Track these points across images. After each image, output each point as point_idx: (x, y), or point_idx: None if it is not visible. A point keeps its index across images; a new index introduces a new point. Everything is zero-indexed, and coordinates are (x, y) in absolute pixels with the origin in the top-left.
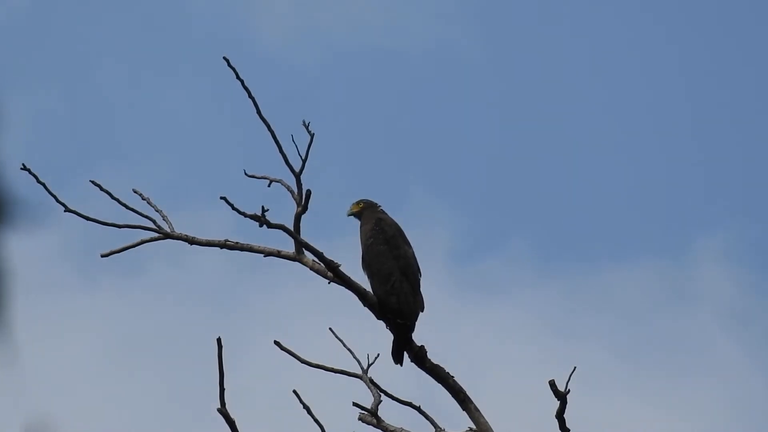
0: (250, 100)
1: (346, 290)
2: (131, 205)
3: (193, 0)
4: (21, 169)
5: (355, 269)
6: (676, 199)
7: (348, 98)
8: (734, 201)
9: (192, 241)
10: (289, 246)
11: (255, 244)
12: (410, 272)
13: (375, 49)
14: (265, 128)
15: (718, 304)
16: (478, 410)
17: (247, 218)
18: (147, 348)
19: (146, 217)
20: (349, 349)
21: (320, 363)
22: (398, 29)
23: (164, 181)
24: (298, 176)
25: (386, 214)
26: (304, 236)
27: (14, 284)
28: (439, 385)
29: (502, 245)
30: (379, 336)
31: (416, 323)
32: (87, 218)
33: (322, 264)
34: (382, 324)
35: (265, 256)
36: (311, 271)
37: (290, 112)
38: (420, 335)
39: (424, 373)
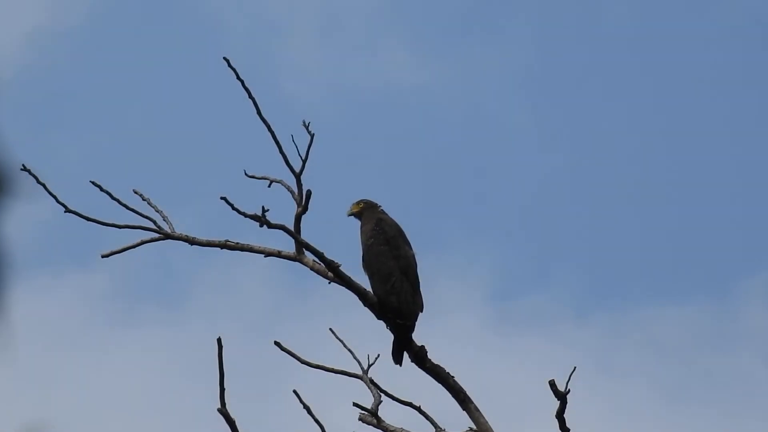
0: (250, 101)
1: (347, 290)
2: (131, 206)
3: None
4: (21, 169)
5: (355, 269)
6: (720, 238)
7: (381, 145)
8: None
9: (192, 242)
10: (289, 246)
11: (255, 244)
12: (411, 272)
13: (401, 100)
14: (265, 128)
15: (763, 344)
16: (478, 410)
17: (248, 218)
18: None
19: (146, 217)
20: (349, 350)
21: (320, 363)
22: (426, 82)
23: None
24: (298, 176)
25: (386, 214)
26: (305, 236)
27: (12, 266)
28: (439, 385)
29: (544, 281)
30: (379, 336)
31: (416, 323)
32: (87, 219)
33: (322, 264)
34: (382, 324)
35: (265, 257)
36: (312, 271)
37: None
38: (420, 336)
39: (424, 373)
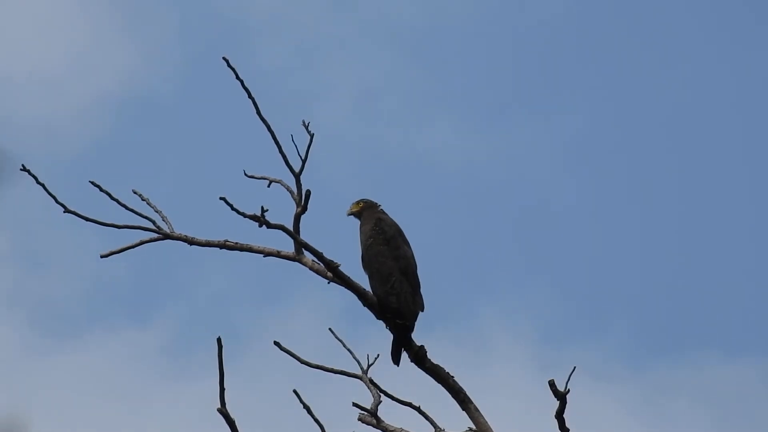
0: (250, 101)
1: (346, 290)
2: (131, 206)
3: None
4: (21, 170)
5: (354, 269)
6: None
7: (420, 208)
8: None
9: (191, 242)
10: (288, 246)
11: (255, 244)
12: (410, 272)
13: (442, 171)
14: (265, 128)
15: None
16: (478, 410)
17: (247, 218)
18: None
19: (146, 217)
20: (349, 350)
21: (320, 363)
22: (469, 157)
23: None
24: (297, 176)
25: (386, 214)
26: (304, 236)
27: None
28: (439, 385)
29: (599, 332)
30: (379, 336)
31: (416, 323)
32: (87, 219)
33: (321, 264)
34: (382, 324)
35: (264, 256)
36: (311, 271)
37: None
38: (420, 336)
39: (423, 373)
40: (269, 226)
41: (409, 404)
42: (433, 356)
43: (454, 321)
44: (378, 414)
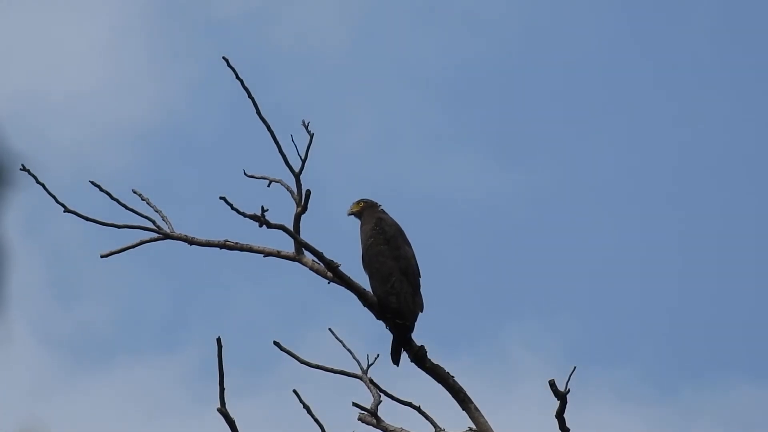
0: (249, 100)
1: (346, 290)
2: (130, 206)
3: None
4: (21, 169)
5: (354, 269)
6: None
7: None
8: None
9: (191, 242)
10: (289, 246)
11: (255, 244)
12: (410, 272)
13: (463, 204)
14: (265, 128)
15: None
16: (478, 410)
17: (247, 218)
18: None
19: (146, 217)
20: (348, 350)
21: (320, 363)
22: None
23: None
24: (297, 176)
25: (387, 213)
26: (304, 236)
27: (9, 257)
28: (439, 385)
29: (625, 354)
30: (379, 336)
31: (416, 323)
32: (87, 218)
33: (321, 264)
34: (382, 324)
35: (265, 256)
36: (311, 271)
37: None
38: (420, 335)
39: (424, 373)
40: (269, 225)
41: (409, 404)
42: (455, 375)
43: (479, 346)
44: (378, 414)
